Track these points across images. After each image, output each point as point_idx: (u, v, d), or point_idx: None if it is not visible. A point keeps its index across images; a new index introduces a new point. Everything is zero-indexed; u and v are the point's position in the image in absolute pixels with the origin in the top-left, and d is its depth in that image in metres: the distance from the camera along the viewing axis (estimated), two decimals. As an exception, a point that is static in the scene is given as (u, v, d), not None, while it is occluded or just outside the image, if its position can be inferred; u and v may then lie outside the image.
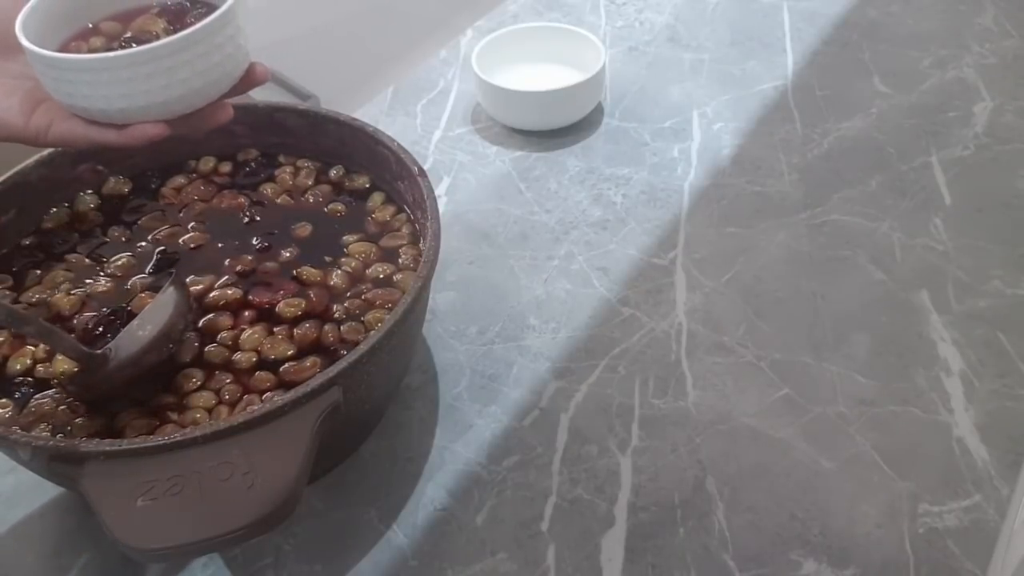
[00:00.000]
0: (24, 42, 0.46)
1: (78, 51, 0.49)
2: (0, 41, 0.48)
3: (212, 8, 0.50)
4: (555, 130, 0.85)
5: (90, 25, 0.51)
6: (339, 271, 0.59)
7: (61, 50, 0.49)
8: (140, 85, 0.46)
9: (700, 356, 0.64)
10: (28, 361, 0.54)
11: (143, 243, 0.61)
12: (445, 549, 0.54)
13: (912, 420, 0.60)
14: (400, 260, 0.60)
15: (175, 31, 0.49)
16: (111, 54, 0.45)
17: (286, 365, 0.53)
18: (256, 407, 0.46)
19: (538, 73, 0.89)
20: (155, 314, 0.53)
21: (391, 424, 0.61)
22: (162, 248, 0.61)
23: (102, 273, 0.59)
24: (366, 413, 0.57)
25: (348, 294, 0.58)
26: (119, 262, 0.60)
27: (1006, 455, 0.57)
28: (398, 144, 0.62)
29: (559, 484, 0.57)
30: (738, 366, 0.64)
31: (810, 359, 0.64)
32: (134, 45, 0.48)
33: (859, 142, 0.83)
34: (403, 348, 0.57)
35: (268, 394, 0.52)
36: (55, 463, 0.45)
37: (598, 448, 0.59)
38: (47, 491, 0.57)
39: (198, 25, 0.46)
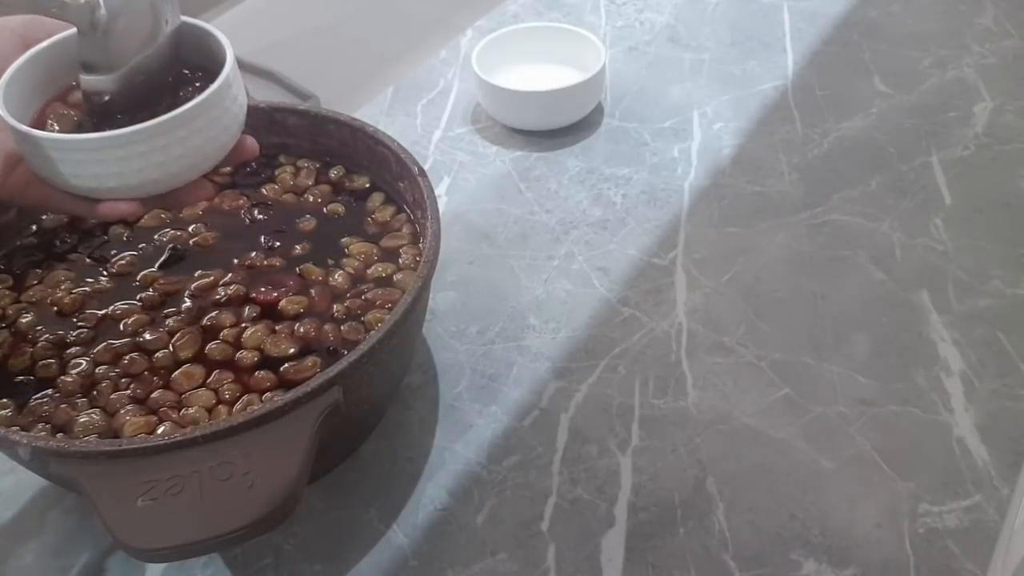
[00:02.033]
0: (1, 111, 0.44)
1: (59, 115, 0.47)
2: None
3: (210, 76, 0.47)
4: (555, 130, 0.85)
5: (74, 83, 0.49)
6: (340, 271, 0.59)
7: (44, 109, 0.48)
8: (111, 168, 0.44)
9: (700, 356, 0.64)
10: (28, 361, 0.54)
11: (144, 244, 0.61)
12: (445, 549, 0.54)
13: (912, 420, 0.60)
14: (400, 260, 0.60)
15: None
16: (81, 136, 0.44)
17: (286, 365, 0.53)
18: (256, 407, 0.46)
19: (538, 73, 0.89)
20: None
21: (391, 424, 0.61)
22: (172, 246, 0.61)
23: (103, 273, 0.59)
24: (366, 413, 0.57)
25: (349, 294, 0.58)
26: (121, 262, 0.60)
27: (1006, 455, 0.57)
28: (398, 144, 0.62)
29: (559, 484, 0.57)
30: (738, 366, 0.64)
31: (810, 359, 0.64)
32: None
33: (859, 142, 0.83)
34: (403, 348, 0.57)
35: (268, 394, 0.52)
36: (55, 463, 0.45)
37: (598, 448, 0.59)
38: (47, 491, 0.57)
39: (173, 113, 0.44)
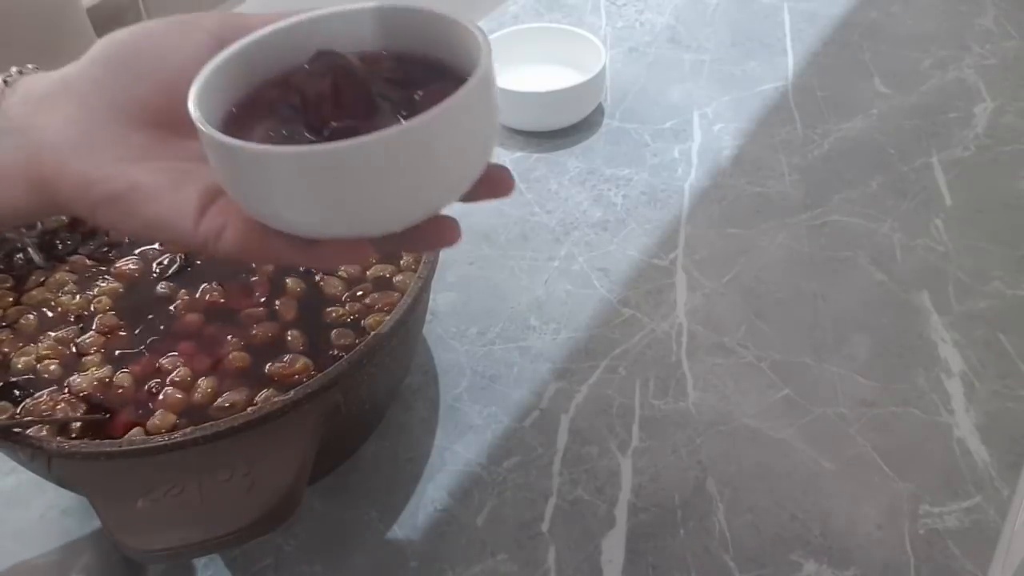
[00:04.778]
0: (196, 115, 0.33)
1: (251, 126, 0.35)
2: (173, 112, 0.35)
3: (443, 73, 0.35)
4: (555, 131, 0.85)
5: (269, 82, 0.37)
6: (339, 272, 0.59)
7: (229, 119, 0.36)
8: (349, 192, 0.32)
9: (701, 357, 0.64)
10: (29, 361, 0.54)
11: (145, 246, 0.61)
12: (445, 550, 0.54)
13: (913, 421, 0.60)
14: (400, 261, 0.60)
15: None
16: (305, 148, 0.31)
17: (284, 366, 0.53)
18: (256, 407, 0.46)
19: (538, 74, 0.89)
20: None
21: (392, 425, 0.61)
22: (183, 255, 0.60)
23: (105, 275, 0.59)
24: (366, 414, 0.57)
25: (348, 295, 0.58)
26: (125, 267, 0.59)
27: (1007, 456, 0.57)
28: (399, 145, 0.61)
29: (559, 485, 0.57)
30: (738, 367, 0.64)
31: (811, 360, 0.64)
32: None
33: (860, 143, 0.83)
34: (403, 349, 0.57)
35: (268, 395, 0.52)
36: (55, 464, 0.45)
37: (598, 449, 0.59)
38: (47, 491, 0.57)
39: (432, 112, 0.31)
